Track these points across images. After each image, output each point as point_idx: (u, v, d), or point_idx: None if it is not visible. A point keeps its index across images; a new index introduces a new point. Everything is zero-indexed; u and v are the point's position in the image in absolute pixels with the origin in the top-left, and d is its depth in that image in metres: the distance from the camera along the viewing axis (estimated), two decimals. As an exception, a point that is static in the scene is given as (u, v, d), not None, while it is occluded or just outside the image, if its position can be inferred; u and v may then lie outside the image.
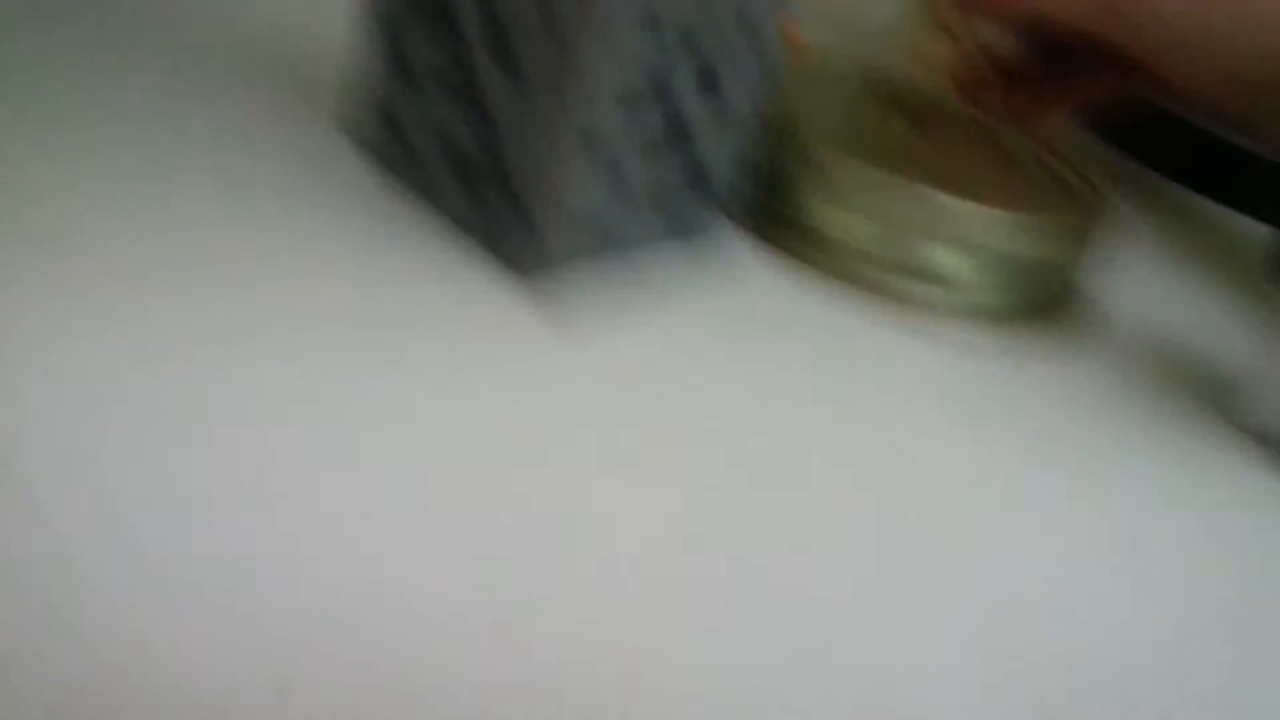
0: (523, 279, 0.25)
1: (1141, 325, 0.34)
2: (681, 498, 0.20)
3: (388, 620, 0.16)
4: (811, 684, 0.17)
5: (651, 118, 0.25)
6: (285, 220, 0.24)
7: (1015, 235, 0.30)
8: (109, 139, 0.25)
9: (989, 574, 0.21)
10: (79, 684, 0.14)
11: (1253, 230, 0.47)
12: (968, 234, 0.30)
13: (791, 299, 0.29)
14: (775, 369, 0.25)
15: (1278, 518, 0.27)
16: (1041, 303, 0.33)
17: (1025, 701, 0.18)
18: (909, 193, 0.30)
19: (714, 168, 0.28)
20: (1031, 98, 0.42)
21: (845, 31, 0.49)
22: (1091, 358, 0.31)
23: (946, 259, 0.30)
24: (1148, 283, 0.38)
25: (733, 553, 0.19)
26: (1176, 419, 0.30)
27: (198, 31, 0.32)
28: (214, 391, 0.19)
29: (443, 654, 0.16)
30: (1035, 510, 0.24)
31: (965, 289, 0.31)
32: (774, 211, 0.31)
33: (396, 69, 0.26)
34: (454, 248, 0.25)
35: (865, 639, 0.19)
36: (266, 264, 0.23)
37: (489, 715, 0.15)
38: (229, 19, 0.33)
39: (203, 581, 0.15)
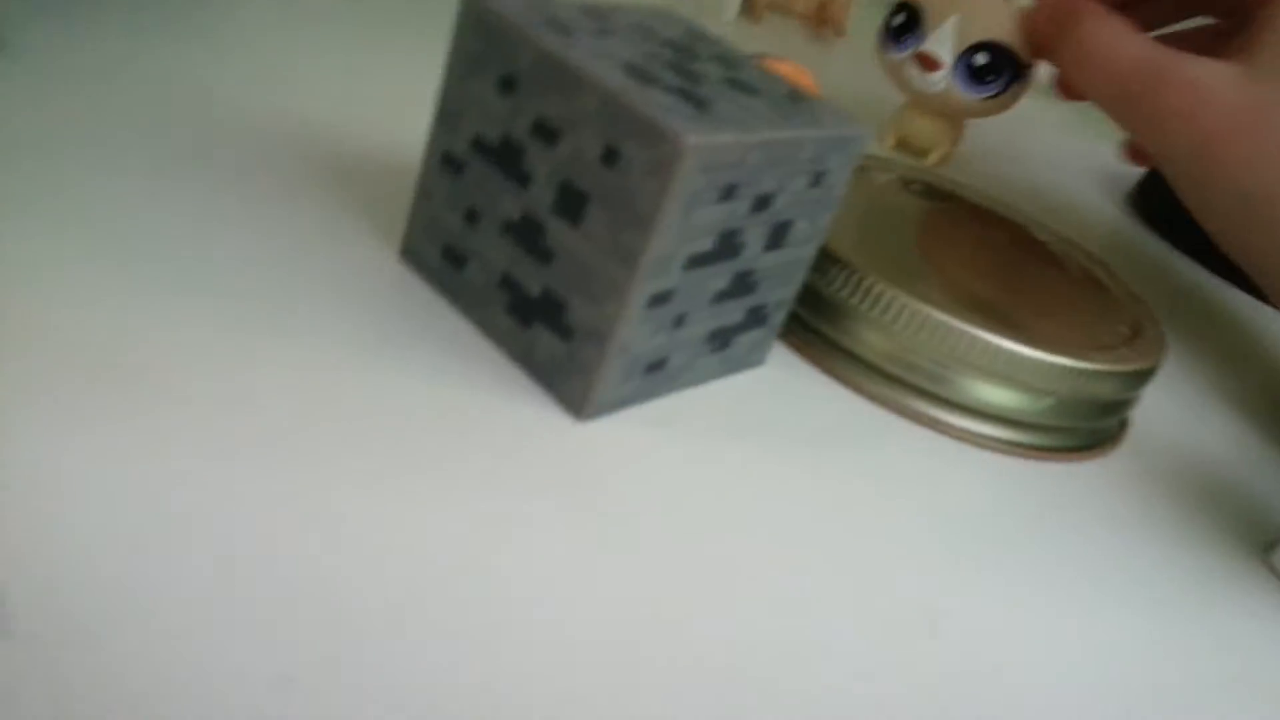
0: (576, 418, 0.25)
1: (1190, 459, 0.34)
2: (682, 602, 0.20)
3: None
4: None
5: (720, 275, 0.25)
6: (335, 335, 0.24)
7: (1069, 379, 0.30)
8: (167, 238, 0.25)
9: (994, 704, 0.21)
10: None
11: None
12: (1019, 375, 0.30)
13: (831, 419, 0.29)
14: (806, 484, 0.25)
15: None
16: (1091, 437, 0.33)
17: None
18: (962, 335, 0.30)
19: (773, 308, 0.28)
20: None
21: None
22: (1135, 494, 0.31)
23: (995, 396, 0.30)
24: (1200, 411, 0.38)
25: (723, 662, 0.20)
26: (1217, 567, 0.29)
27: (270, 137, 0.32)
28: (240, 502, 0.19)
29: None
30: (1049, 650, 0.24)
31: (1014, 426, 0.31)
32: (821, 335, 0.31)
33: (462, 207, 0.26)
34: (508, 382, 0.25)
35: None
36: (310, 376, 0.23)
37: None
38: (304, 129, 0.33)
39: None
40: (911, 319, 0.30)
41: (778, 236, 0.26)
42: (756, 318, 0.28)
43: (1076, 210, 0.54)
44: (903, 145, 0.48)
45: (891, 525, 0.26)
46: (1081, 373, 0.30)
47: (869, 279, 0.30)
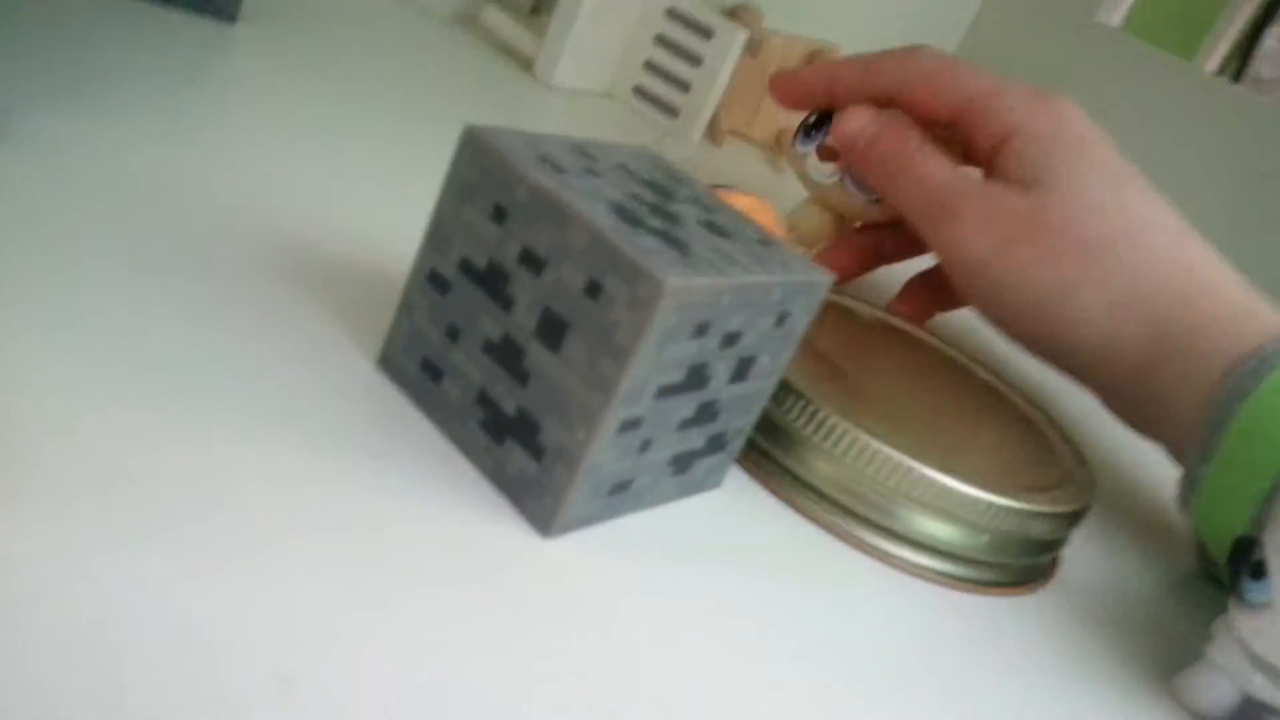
0: (542, 536, 0.26)
1: (1112, 595, 0.36)
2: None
3: None
4: None
5: (687, 404, 0.27)
6: (308, 442, 0.25)
7: (1006, 518, 0.32)
8: (145, 338, 0.26)
9: None
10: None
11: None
12: (959, 511, 0.32)
13: (781, 544, 0.30)
14: (754, 609, 0.26)
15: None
16: (1024, 573, 0.34)
17: None
18: (907, 470, 0.31)
19: (732, 435, 0.30)
20: (859, 257, 0.48)
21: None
22: (1061, 629, 0.33)
23: (935, 530, 0.32)
24: (1125, 548, 0.40)
25: None
26: (1132, 697, 0.31)
27: (257, 242, 0.33)
28: (208, 607, 0.19)
29: None
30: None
31: (952, 559, 0.32)
32: (774, 460, 0.33)
33: (444, 324, 0.27)
34: (476, 496, 0.26)
35: None
36: (280, 484, 0.23)
37: None
38: (291, 236, 0.34)
39: None
40: (861, 451, 0.31)
41: (742, 370, 0.28)
42: (717, 444, 0.29)
43: (1001, 343, 0.56)
44: (792, 232, 0.50)
45: (832, 651, 0.27)
46: (1017, 512, 0.32)
47: (822, 410, 0.32)
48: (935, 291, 0.47)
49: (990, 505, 0.32)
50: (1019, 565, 0.34)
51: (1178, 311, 0.37)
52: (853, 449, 0.31)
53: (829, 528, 0.32)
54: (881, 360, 0.40)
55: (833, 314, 0.41)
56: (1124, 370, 0.38)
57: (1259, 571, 0.29)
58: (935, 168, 0.41)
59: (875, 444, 0.31)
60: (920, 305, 0.48)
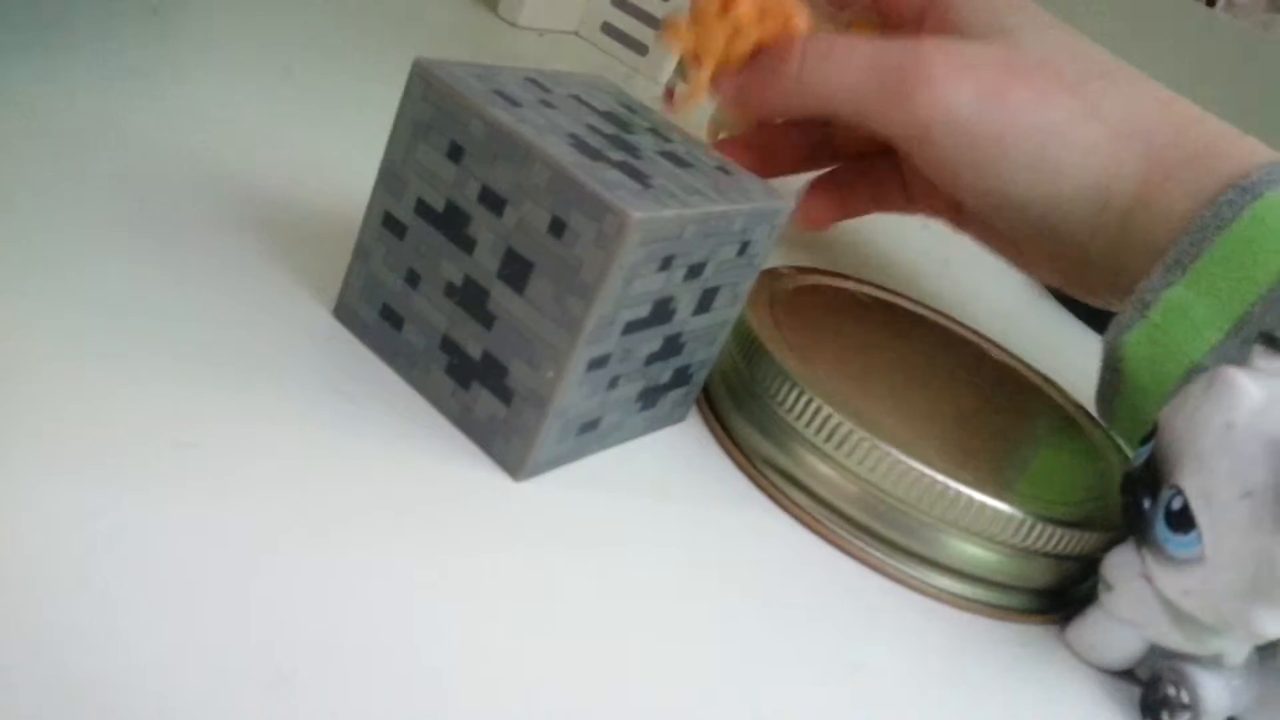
0: (512, 477, 0.25)
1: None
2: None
3: None
4: None
5: (653, 339, 0.26)
6: (264, 395, 0.24)
7: (1033, 534, 0.29)
8: (105, 289, 0.25)
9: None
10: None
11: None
12: (979, 528, 0.29)
13: (734, 476, 0.30)
14: (704, 549, 0.27)
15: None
16: (1049, 593, 0.31)
17: None
18: (920, 479, 0.28)
19: (696, 367, 0.29)
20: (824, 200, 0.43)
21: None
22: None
23: (952, 545, 0.29)
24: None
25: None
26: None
27: (210, 199, 0.31)
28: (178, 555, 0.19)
29: None
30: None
31: (964, 578, 0.30)
32: (762, 455, 0.30)
33: (403, 269, 0.26)
34: (444, 441, 0.26)
35: None
36: (244, 429, 0.23)
37: None
38: (241, 185, 0.33)
39: None
40: (864, 454, 0.29)
41: (706, 301, 0.27)
42: (681, 377, 0.29)
43: (1015, 317, 0.56)
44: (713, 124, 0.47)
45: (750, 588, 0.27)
46: (1038, 528, 0.29)
47: (835, 414, 0.29)
48: (843, 193, 0.43)
49: (1028, 521, 0.28)
50: (1045, 586, 0.30)
51: (1177, 138, 0.34)
52: (855, 452, 0.29)
53: (815, 525, 0.30)
54: (886, 343, 0.37)
55: (836, 297, 0.37)
56: (1113, 212, 0.35)
57: (1184, 523, 0.25)
58: (870, 45, 0.36)
59: (880, 445, 0.28)
60: (827, 208, 0.43)
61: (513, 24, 0.58)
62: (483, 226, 0.25)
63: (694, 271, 0.26)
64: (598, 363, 0.25)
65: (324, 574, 0.21)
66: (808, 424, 0.29)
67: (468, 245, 0.25)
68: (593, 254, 0.23)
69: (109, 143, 0.31)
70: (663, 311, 0.26)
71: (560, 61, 0.57)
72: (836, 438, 0.29)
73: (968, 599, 0.30)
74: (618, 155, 0.25)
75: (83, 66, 0.34)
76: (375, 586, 0.21)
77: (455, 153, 0.25)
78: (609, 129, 0.27)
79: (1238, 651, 0.27)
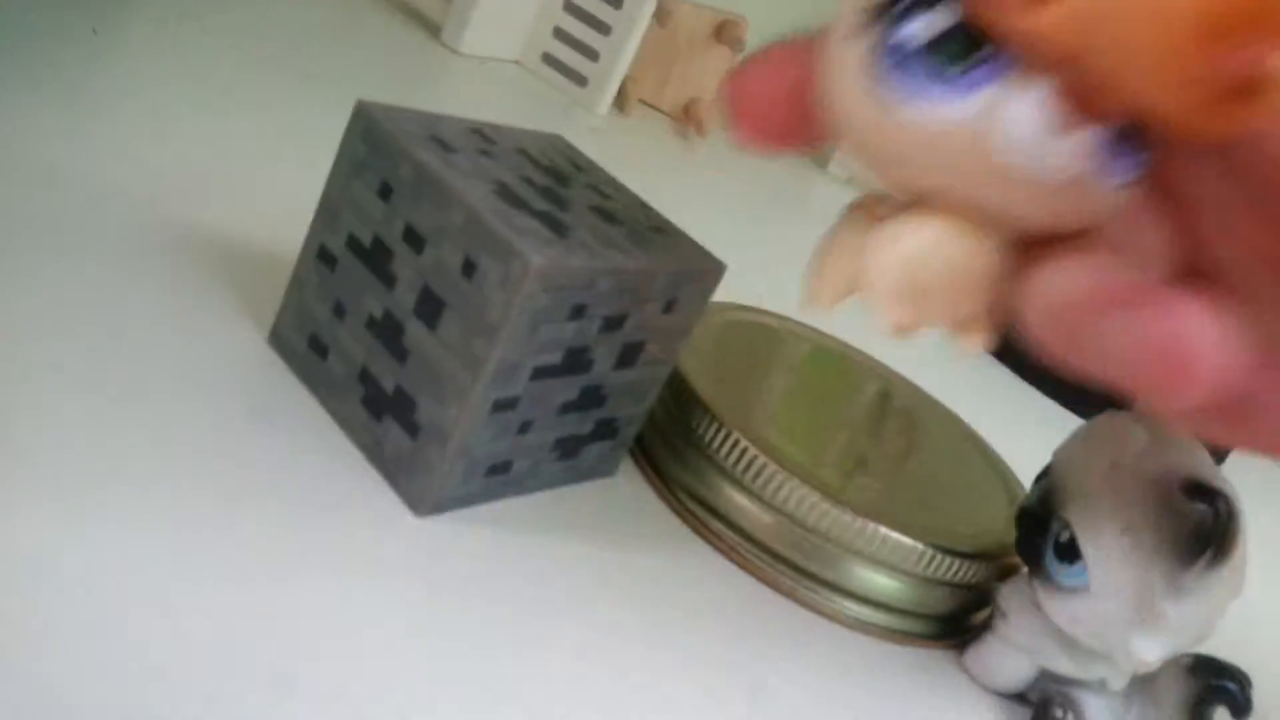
0: (415, 514, 0.26)
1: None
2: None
3: None
4: None
5: (568, 388, 0.27)
6: (191, 415, 0.25)
7: (937, 566, 0.30)
8: (39, 313, 0.26)
9: None
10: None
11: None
12: (883, 557, 0.30)
13: (661, 533, 0.30)
14: (612, 597, 0.26)
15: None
16: (949, 619, 0.32)
17: None
18: (829, 511, 0.29)
19: (624, 422, 0.30)
20: None
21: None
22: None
23: (858, 573, 0.30)
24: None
25: None
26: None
27: (150, 227, 0.33)
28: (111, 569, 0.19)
29: None
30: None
31: (869, 604, 0.31)
32: (684, 486, 0.31)
33: (332, 300, 0.27)
34: (357, 473, 0.26)
35: None
36: (160, 456, 0.23)
37: None
38: (184, 212, 0.34)
39: None
40: (779, 486, 0.30)
41: (629, 356, 0.28)
42: (606, 430, 0.29)
43: (929, 353, 0.56)
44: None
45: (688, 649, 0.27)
46: (940, 560, 0.30)
47: (744, 440, 0.30)
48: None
49: (929, 553, 0.30)
50: (949, 613, 0.31)
51: None
52: (770, 484, 0.30)
53: (736, 559, 0.31)
54: (807, 378, 0.39)
55: (760, 332, 0.39)
56: None
57: (1070, 554, 0.27)
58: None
59: (792, 480, 0.30)
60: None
61: (454, 50, 0.59)
62: (404, 264, 0.25)
63: (611, 324, 0.26)
64: (504, 404, 0.25)
65: (222, 593, 0.21)
66: (726, 457, 0.30)
67: (390, 281, 0.26)
68: (498, 296, 0.24)
69: (43, 166, 0.32)
70: (578, 361, 0.26)
71: (499, 89, 0.59)
72: (753, 471, 0.30)
73: (872, 624, 0.31)
74: (542, 205, 0.26)
75: (18, 88, 0.36)
76: (259, 605, 0.21)
77: (385, 191, 0.26)
78: (543, 181, 0.27)
79: (1120, 677, 0.28)
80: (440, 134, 0.27)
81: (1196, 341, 0.12)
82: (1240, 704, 0.27)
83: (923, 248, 0.12)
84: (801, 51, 0.14)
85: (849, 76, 0.12)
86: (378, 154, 0.26)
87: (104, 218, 0.31)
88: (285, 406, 0.27)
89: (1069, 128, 0.11)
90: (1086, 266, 0.12)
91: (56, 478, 0.22)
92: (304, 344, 0.28)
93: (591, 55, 0.61)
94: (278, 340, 0.28)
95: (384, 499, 0.26)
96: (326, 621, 0.22)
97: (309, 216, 0.28)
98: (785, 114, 0.14)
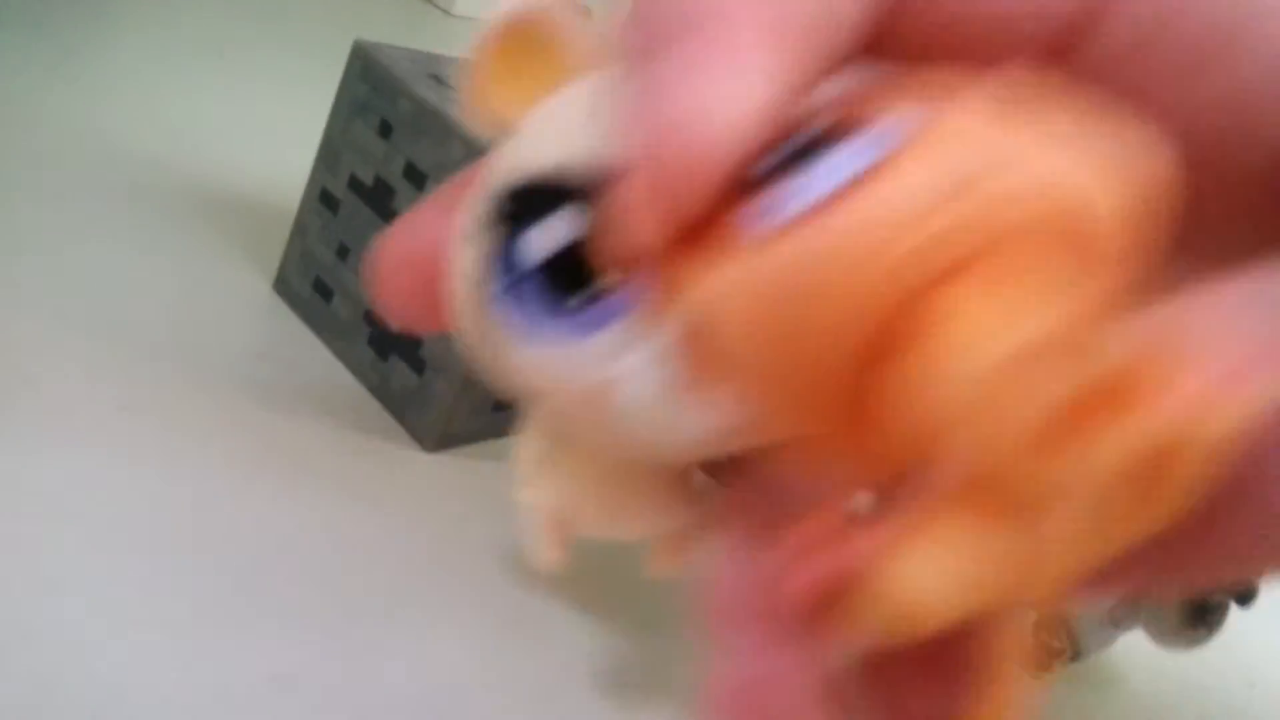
0: (422, 449, 0.26)
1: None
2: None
3: None
4: None
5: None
6: (200, 362, 0.25)
7: None
8: (52, 261, 0.26)
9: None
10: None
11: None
12: None
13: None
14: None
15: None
16: None
17: None
18: None
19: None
20: None
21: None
22: None
23: None
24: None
25: None
26: None
27: (156, 176, 0.33)
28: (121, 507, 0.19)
29: None
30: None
31: None
32: None
33: (335, 243, 0.27)
34: (365, 413, 0.26)
35: None
36: (171, 401, 0.24)
37: None
38: (186, 165, 0.34)
39: None
40: None
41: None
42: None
43: None
44: None
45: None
46: None
47: None
48: None
49: None
50: None
51: None
52: None
53: None
54: None
55: None
56: None
57: None
58: None
59: None
60: None
61: (447, 12, 0.59)
62: (406, 201, 0.26)
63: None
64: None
65: (231, 525, 0.21)
66: None
67: (392, 219, 0.26)
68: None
69: (52, 127, 0.32)
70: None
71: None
72: None
73: None
74: (542, 140, 0.26)
75: (14, 48, 0.36)
76: (271, 540, 0.22)
77: (385, 130, 0.26)
78: (543, 118, 0.28)
79: None
80: (440, 72, 0.27)
81: None
82: (1245, 592, 0.27)
83: None
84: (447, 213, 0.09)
85: (463, 290, 0.08)
86: (377, 92, 0.26)
87: (105, 171, 0.31)
88: (293, 350, 0.27)
89: (700, 385, 0.08)
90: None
91: (69, 421, 0.22)
92: (309, 288, 0.28)
93: (586, 14, 0.61)
94: (283, 286, 0.29)
95: (393, 436, 0.26)
96: (339, 558, 0.22)
97: (308, 167, 0.28)
98: (429, 294, 0.09)
